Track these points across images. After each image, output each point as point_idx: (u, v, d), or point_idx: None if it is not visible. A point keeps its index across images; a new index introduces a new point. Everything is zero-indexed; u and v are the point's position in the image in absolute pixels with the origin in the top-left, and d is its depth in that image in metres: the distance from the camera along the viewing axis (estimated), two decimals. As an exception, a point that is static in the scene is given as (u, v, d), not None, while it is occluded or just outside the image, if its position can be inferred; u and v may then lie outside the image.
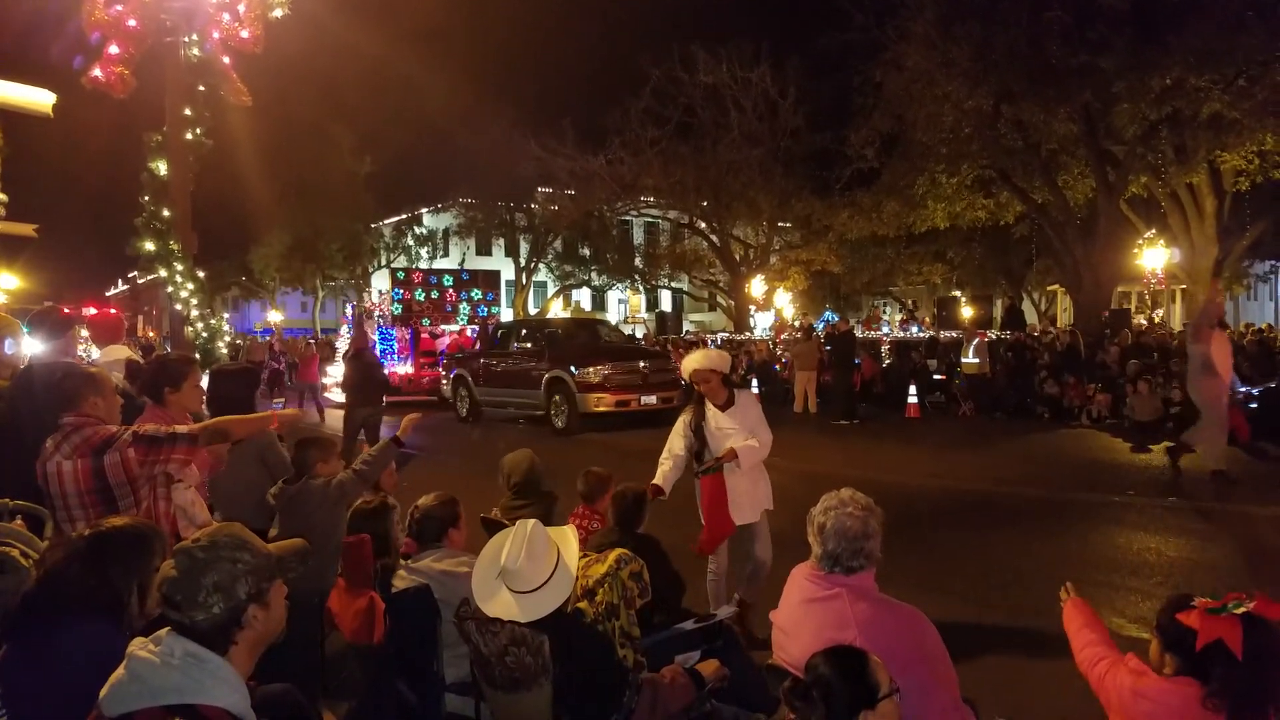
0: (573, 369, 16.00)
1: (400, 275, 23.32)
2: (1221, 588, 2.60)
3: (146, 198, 9.21)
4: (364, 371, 11.88)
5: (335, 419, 18.43)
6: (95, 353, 7.41)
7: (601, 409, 15.75)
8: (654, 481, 5.18)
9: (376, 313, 23.51)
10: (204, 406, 5.19)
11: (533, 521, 3.25)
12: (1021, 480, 10.89)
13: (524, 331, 19.07)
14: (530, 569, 3.09)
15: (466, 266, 33.55)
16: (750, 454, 5.19)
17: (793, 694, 2.40)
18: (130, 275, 45.40)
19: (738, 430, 5.24)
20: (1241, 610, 2.41)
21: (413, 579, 3.92)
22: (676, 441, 5.40)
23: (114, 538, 2.86)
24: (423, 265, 47.57)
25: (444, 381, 20.28)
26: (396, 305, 22.50)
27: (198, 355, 8.69)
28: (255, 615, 2.18)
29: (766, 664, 3.21)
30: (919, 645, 2.87)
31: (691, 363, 5.39)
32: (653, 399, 16.18)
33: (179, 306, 9.02)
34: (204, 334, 9.14)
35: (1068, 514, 9.02)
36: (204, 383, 5.02)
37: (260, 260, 44.51)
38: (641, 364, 16.74)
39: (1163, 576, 6.68)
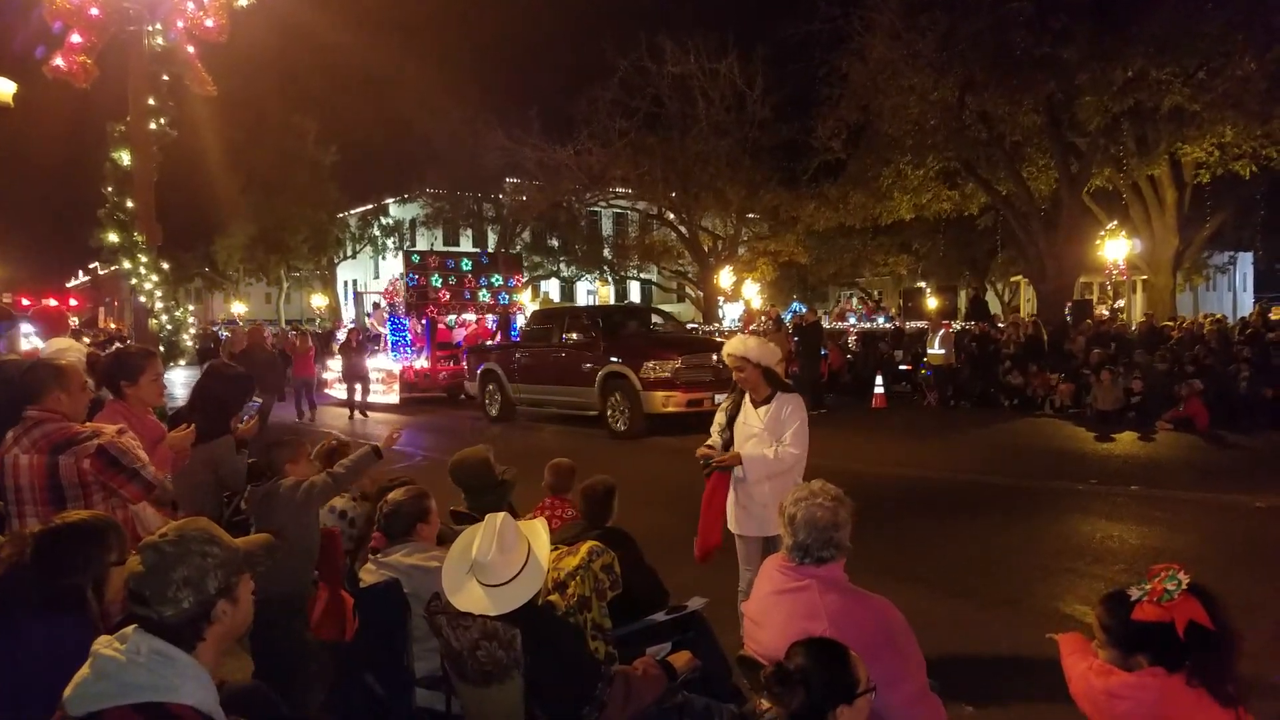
0: (637, 363, 14.06)
1: (415, 259, 20.52)
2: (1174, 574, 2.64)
3: (109, 188, 9.07)
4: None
5: (330, 416, 18.02)
6: (42, 345, 7.26)
7: (671, 409, 13.73)
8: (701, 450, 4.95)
9: (385, 301, 21.78)
10: (164, 399, 5.09)
11: (503, 515, 3.24)
12: (987, 469, 11.02)
13: (570, 320, 16.66)
14: (501, 562, 3.08)
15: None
16: (759, 466, 4.71)
17: (773, 679, 2.40)
18: (91, 266, 44.63)
19: (763, 433, 4.78)
20: (1186, 585, 2.47)
21: (382, 573, 3.90)
22: (718, 425, 5.08)
23: (68, 532, 2.82)
24: (386, 254, 47.40)
25: (467, 378, 18.39)
26: (410, 293, 20.00)
27: (161, 348, 8.57)
28: (224, 610, 2.16)
29: (738, 655, 3.22)
30: (888, 635, 2.89)
31: (728, 347, 4.98)
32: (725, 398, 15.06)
33: (142, 299, 8.90)
34: (168, 326, 9.02)
35: (1032, 502, 9.14)
36: (193, 375, 4.92)
37: (224, 251, 43.98)
38: (714, 357, 14.17)
39: (1126, 564, 6.79)
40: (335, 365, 20.45)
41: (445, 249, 30.53)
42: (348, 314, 48.94)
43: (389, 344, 20.38)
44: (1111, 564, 6.80)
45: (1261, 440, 12.33)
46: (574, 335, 15.83)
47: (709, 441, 5.04)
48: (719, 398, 13.33)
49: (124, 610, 2.73)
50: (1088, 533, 7.77)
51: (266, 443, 4.56)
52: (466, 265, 20.66)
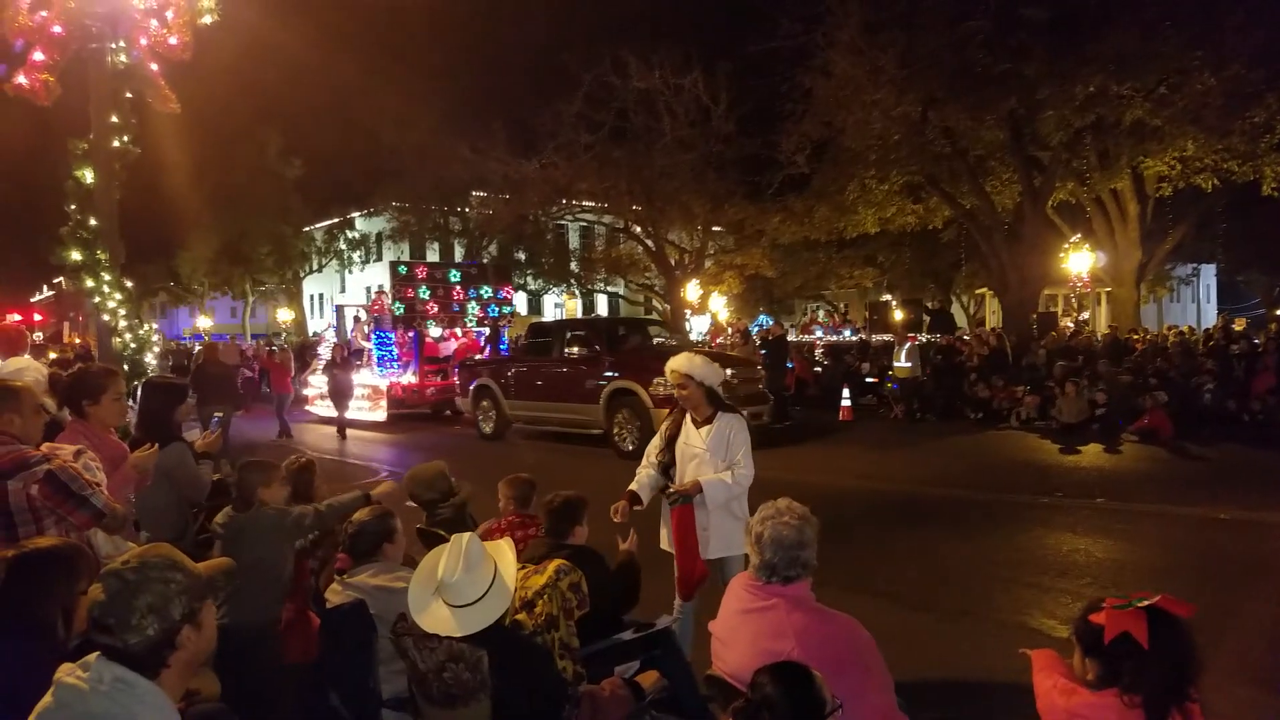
0: (646, 379, 13.16)
1: (402, 270, 19.62)
2: (1148, 589, 2.66)
3: (73, 206, 8.91)
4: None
5: (319, 436, 17.27)
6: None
7: None
8: (630, 488, 4.83)
9: (365, 314, 21.04)
10: (127, 418, 5.02)
11: (469, 535, 3.22)
12: (952, 482, 11.09)
13: (571, 333, 15.78)
14: (467, 581, 3.06)
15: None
16: (720, 490, 4.59)
17: (742, 716, 2.41)
18: (56, 281, 43.95)
19: (706, 455, 4.69)
20: (1146, 604, 2.48)
21: (348, 594, 3.86)
22: (655, 448, 4.97)
23: (36, 559, 2.78)
24: (353, 267, 47.08)
25: (459, 394, 17.68)
26: (397, 304, 19.09)
27: (125, 366, 8.43)
28: (189, 636, 2.14)
29: (705, 674, 3.22)
30: (855, 653, 2.90)
31: (672, 364, 4.88)
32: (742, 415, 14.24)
33: (106, 317, 8.76)
34: (132, 344, 8.88)
35: (997, 515, 9.21)
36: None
37: (188, 264, 43.51)
38: (728, 372, 14.71)
39: (1091, 577, 6.85)
40: (317, 381, 19.82)
41: (432, 261, 29.66)
42: (315, 326, 48.63)
43: (374, 359, 19.57)
44: (1077, 578, 6.84)
45: (1224, 452, 12.52)
46: (575, 349, 15.10)
47: (643, 465, 4.96)
48: None
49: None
50: (1053, 546, 7.83)
51: (241, 464, 4.49)
52: (455, 276, 20.07)
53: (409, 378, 19.00)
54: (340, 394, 17.31)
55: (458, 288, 19.83)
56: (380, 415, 18.60)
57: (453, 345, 19.89)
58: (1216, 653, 4.64)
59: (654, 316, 34.44)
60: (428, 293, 19.26)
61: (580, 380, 14.48)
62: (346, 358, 18.22)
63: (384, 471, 12.54)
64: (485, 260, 35.62)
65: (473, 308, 20.02)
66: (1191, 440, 13.01)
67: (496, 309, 20.56)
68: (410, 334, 19.10)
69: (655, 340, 16.74)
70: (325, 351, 20.42)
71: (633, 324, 19.03)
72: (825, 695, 2.40)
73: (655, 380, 12.87)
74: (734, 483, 4.62)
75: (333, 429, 17.43)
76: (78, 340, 25.49)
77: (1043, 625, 5.78)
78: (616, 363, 14.10)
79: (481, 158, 30.32)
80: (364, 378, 19.00)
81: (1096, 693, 2.54)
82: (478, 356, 18.91)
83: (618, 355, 14.38)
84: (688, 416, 4.87)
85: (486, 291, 20.35)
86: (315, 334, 35.77)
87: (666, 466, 4.86)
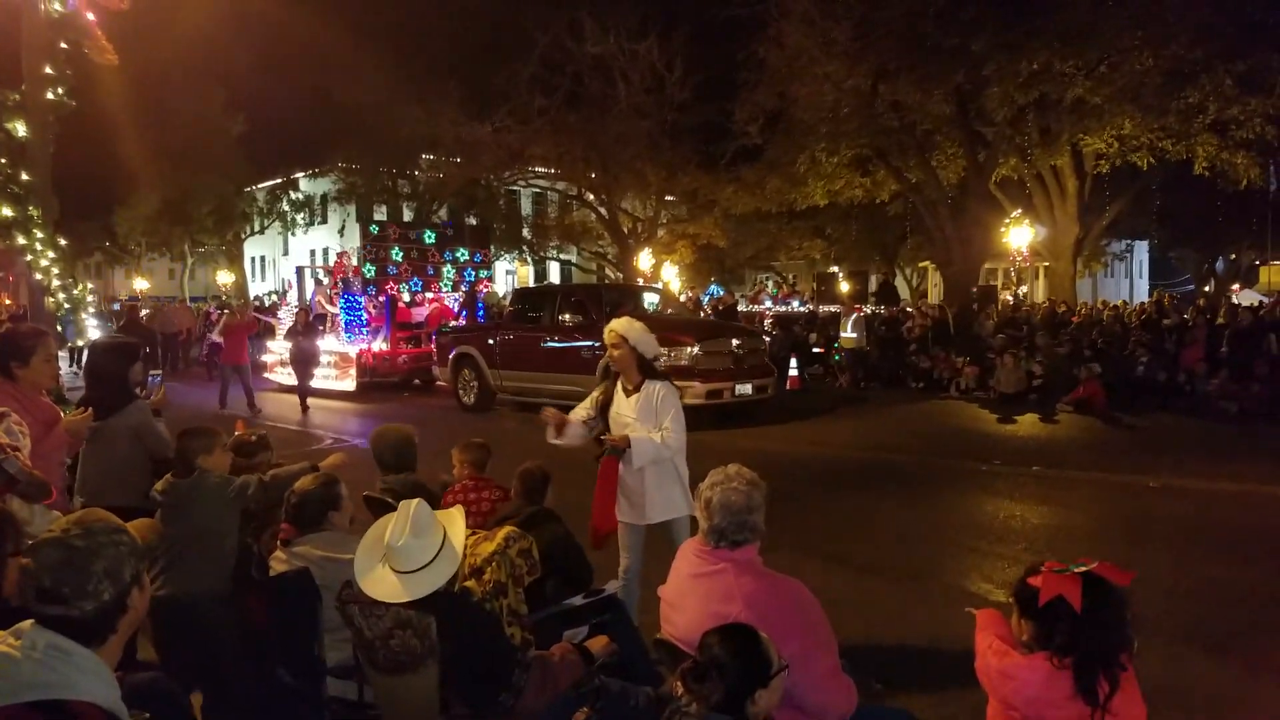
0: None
1: (374, 229, 18.59)
2: (1082, 554, 2.74)
3: (3, 160, 8.61)
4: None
5: (280, 405, 16.19)
6: None
7: (688, 401, 12.15)
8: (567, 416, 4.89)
9: (326, 277, 19.68)
10: (58, 380, 4.89)
11: (417, 500, 3.20)
12: (896, 449, 11.33)
13: (563, 299, 14.96)
14: (416, 546, 3.04)
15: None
16: (647, 448, 4.59)
17: (691, 676, 2.45)
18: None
19: (634, 422, 4.70)
20: (1083, 570, 2.55)
21: (293, 562, 3.81)
22: (584, 407, 5.01)
23: None
24: (296, 230, 46.17)
25: (436, 363, 16.73)
26: (369, 265, 17.95)
27: (60, 328, 8.22)
28: (135, 599, 2.10)
29: (654, 638, 3.25)
30: (801, 616, 2.95)
31: (612, 324, 4.91)
32: (748, 388, 12.87)
33: (39, 276, 8.51)
34: (65, 305, 8.65)
35: (939, 481, 9.42)
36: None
37: (125, 223, 42.27)
38: (734, 343, 13.26)
39: (1027, 542, 7.05)
40: (277, 348, 18.69)
41: (407, 222, 28.34)
42: (256, 289, 47.70)
43: (341, 324, 18.26)
44: (1014, 543, 7.04)
45: (1155, 422, 12.94)
46: (568, 316, 14.24)
47: (569, 418, 4.95)
48: (740, 388, 12.73)
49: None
50: (991, 512, 8.04)
51: (181, 430, 4.33)
52: (430, 238, 19.17)
53: (380, 344, 17.89)
54: (304, 361, 16.13)
55: (433, 250, 19.00)
56: (349, 385, 17.60)
57: (425, 311, 18.97)
58: (1149, 616, 4.80)
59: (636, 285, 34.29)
60: (400, 254, 18.40)
61: (575, 350, 13.70)
62: (310, 323, 17.29)
63: (330, 440, 12.40)
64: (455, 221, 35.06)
65: (448, 271, 19.19)
66: (1124, 411, 13.39)
67: (474, 273, 19.72)
68: (382, 298, 18.03)
69: (652, 308, 15.98)
70: (286, 316, 19.47)
71: (627, 290, 18.37)
72: (772, 656, 2.45)
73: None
74: (662, 444, 4.62)
75: (294, 398, 16.36)
76: (7, 301, 24.66)
77: (980, 589, 5.94)
78: None
79: (433, 118, 29.83)
80: (330, 344, 17.98)
81: (1027, 655, 2.62)
82: (453, 323, 18.12)
83: None
84: (619, 385, 4.89)
85: (463, 254, 19.57)
86: (271, 297, 34.93)
87: (601, 435, 4.86)
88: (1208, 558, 6.61)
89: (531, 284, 41.68)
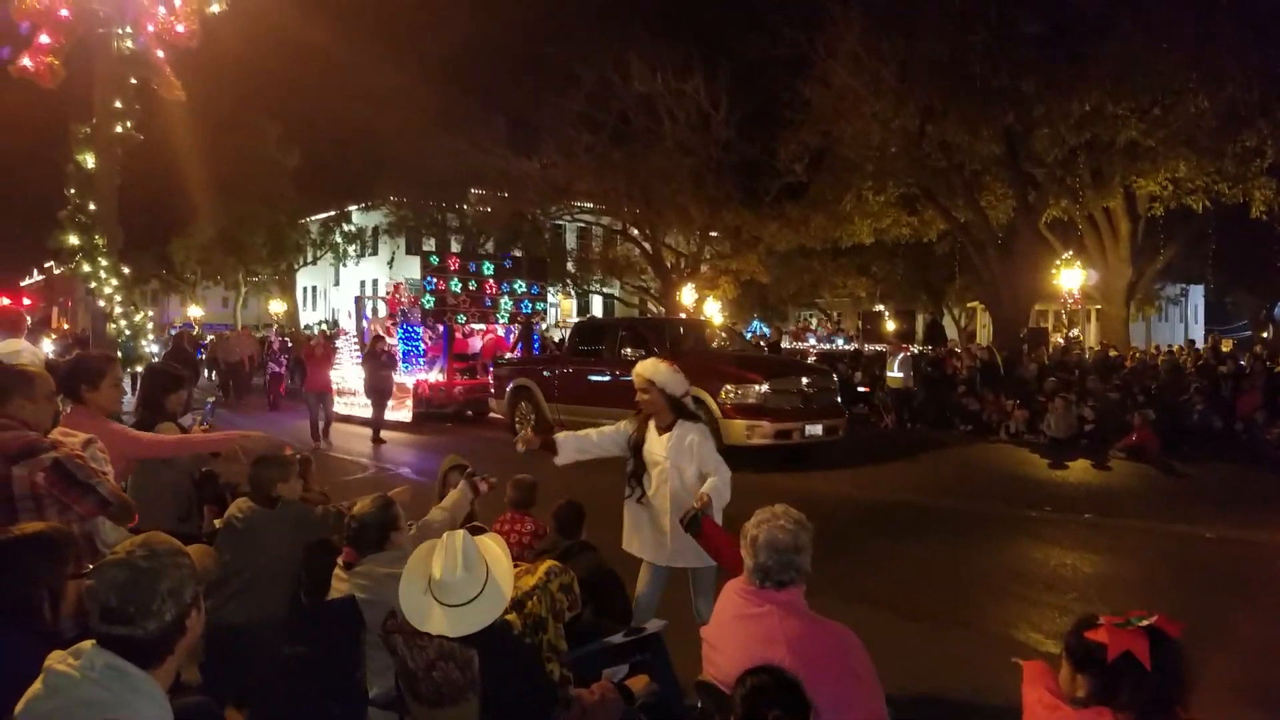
0: (714, 385, 12.05)
1: (433, 260, 18.54)
2: (1134, 605, 2.67)
3: (72, 190, 8.89)
4: None
5: (343, 437, 15.46)
6: None
7: (756, 441, 11.79)
8: (558, 435, 4.95)
9: (386, 308, 19.51)
10: (120, 405, 5.03)
11: (462, 532, 3.21)
12: (943, 492, 11.15)
13: (625, 334, 14.50)
14: (466, 580, 3.05)
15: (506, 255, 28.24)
16: (722, 495, 4.54)
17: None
18: (46, 265, 43.65)
19: (666, 463, 4.72)
20: (1145, 624, 2.50)
21: (355, 582, 3.78)
22: (609, 432, 5.01)
23: (24, 544, 2.77)
24: (348, 261, 46.89)
25: (493, 395, 16.50)
26: (428, 297, 17.84)
27: (119, 353, 8.42)
28: (194, 620, 2.14)
29: (696, 680, 3.22)
30: (846, 663, 2.91)
31: (639, 368, 4.94)
32: (818, 429, 12.42)
33: (102, 303, 8.73)
34: (126, 331, 8.85)
35: (988, 527, 9.25)
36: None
37: (181, 252, 43.32)
38: (804, 381, 12.90)
39: (1078, 592, 6.87)
40: (338, 377, 17.89)
41: (465, 253, 28.50)
42: (307, 319, 48.47)
43: (399, 355, 17.94)
44: (1065, 592, 6.87)
45: (1210, 470, 12.60)
46: (629, 350, 13.76)
47: (585, 432, 5.05)
48: (810, 429, 12.31)
49: (79, 627, 2.67)
50: (1041, 559, 7.87)
51: (256, 458, 4.36)
52: (488, 269, 19.04)
53: (436, 375, 17.92)
54: (381, 391, 15.57)
55: (490, 281, 18.82)
56: (405, 415, 17.36)
57: (478, 342, 19.13)
58: (1202, 670, 4.66)
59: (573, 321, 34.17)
60: (459, 286, 18.22)
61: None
62: (389, 352, 16.62)
63: (373, 469, 12.51)
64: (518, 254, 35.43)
65: (505, 303, 19.05)
66: (1178, 458, 13.06)
67: (530, 305, 19.61)
68: (440, 328, 18.06)
69: (716, 343, 15.57)
70: (343, 345, 19.30)
71: (690, 324, 18.14)
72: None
73: (725, 388, 12.04)
74: (724, 484, 4.58)
75: (363, 429, 15.83)
76: (65, 326, 25.24)
77: (1029, 639, 5.81)
78: (680, 367, 12.88)
79: (481, 153, 30.29)
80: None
81: (1079, 709, 2.55)
82: (508, 355, 18.22)
83: (681, 359, 13.24)
84: (651, 423, 4.88)
85: (520, 286, 19.37)
86: (321, 326, 35.27)
87: (638, 474, 4.87)
88: (1264, 612, 6.40)
89: (575, 317, 41.91)
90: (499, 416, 16.54)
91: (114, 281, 8.81)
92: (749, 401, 12.01)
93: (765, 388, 12.15)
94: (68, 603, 2.84)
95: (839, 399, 13.80)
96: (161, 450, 4.67)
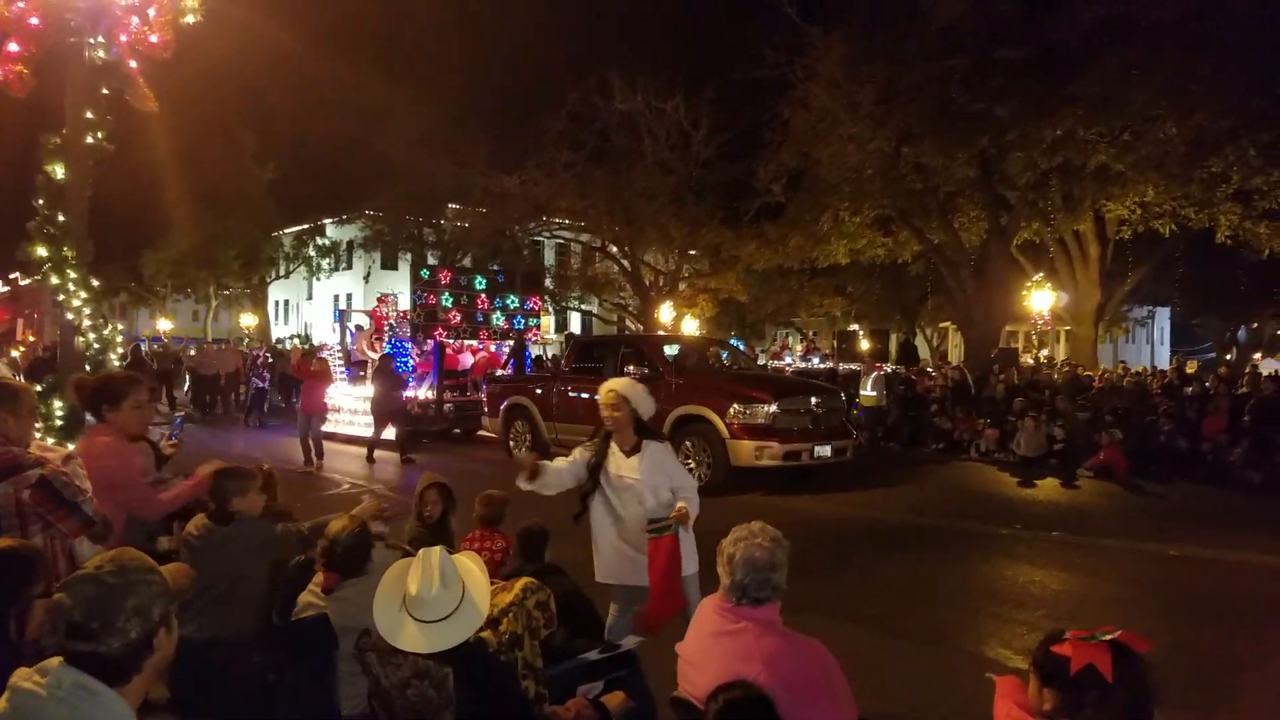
0: (722, 405, 11.89)
1: (425, 275, 18.25)
2: (1102, 621, 2.71)
3: (41, 201, 8.77)
4: None
5: (342, 459, 14.74)
6: None
7: (765, 462, 11.58)
8: (546, 462, 4.80)
9: (370, 322, 19.06)
10: (144, 428, 4.94)
11: (439, 549, 3.20)
12: (915, 510, 11.23)
13: (627, 351, 14.15)
14: (444, 596, 3.04)
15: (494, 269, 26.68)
16: (694, 510, 4.63)
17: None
18: (12, 276, 43.04)
19: (640, 483, 4.67)
20: (1109, 638, 2.53)
21: (343, 608, 3.71)
22: (567, 465, 4.90)
23: None
24: (321, 275, 46.62)
25: (486, 413, 15.96)
26: (417, 312, 17.56)
27: (88, 367, 8.32)
28: (162, 639, 2.11)
29: (671, 696, 3.23)
30: (822, 679, 2.93)
31: (611, 384, 4.91)
32: (827, 450, 12.25)
33: (70, 316, 8.61)
34: (95, 344, 8.74)
35: (960, 544, 9.33)
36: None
37: (152, 265, 42.87)
38: (813, 401, 12.59)
39: (1047, 609, 6.95)
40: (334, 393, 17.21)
41: (460, 267, 27.91)
42: (278, 332, 48.06)
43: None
44: (1034, 609, 6.95)
45: (1176, 490, 12.80)
46: (631, 368, 13.22)
47: (570, 461, 4.89)
48: (819, 450, 12.09)
49: (38, 647, 2.64)
50: (1011, 577, 7.95)
51: (215, 470, 4.27)
52: (481, 284, 18.62)
53: (425, 392, 17.35)
54: (392, 412, 14.96)
55: (482, 296, 18.45)
56: (392, 433, 16.38)
57: (469, 359, 18.76)
58: (1167, 685, 4.72)
59: (551, 337, 33.93)
60: (450, 300, 17.82)
61: None
62: (395, 369, 16.11)
63: (349, 485, 12.41)
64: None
65: (497, 318, 18.73)
66: (1145, 478, 13.24)
67: (523, 320, 19.29)
68: (430, 344, 17.61)
69: (721, 361, 15.28)
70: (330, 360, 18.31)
71: (693, 342, 17.82)
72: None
73: (733, 407, 11.77)
74: (695, 498, 4.68)
75: (349, 447, 15.35)
76: (31, 338, 24.85)
77: (999, 654, 5.86)
78: (685, 385, 12.46)
79: (463, 169, 30.29)
80: (367, 392, 16.63)
81: None
82: (500, 372, 17.84)
83: (686, 377, 12.78)
84: (612, 445, 4.84)
85: (513, 301, 19.10)
86: (293, 340, 34.95)
87: (586, 494, 4.81)
88: (1228, 629, 6.51)
89: (553, 334, 41.83)
90: (491, 435, 16.13)
91: (83, 294, 8.69)
92: (758, 421, 11.77)
93: (774, 407, 11.87)
94: (33, 623, 2.81)
95: (846, 421, 13.53)
96: (161, 508, 4.58)
